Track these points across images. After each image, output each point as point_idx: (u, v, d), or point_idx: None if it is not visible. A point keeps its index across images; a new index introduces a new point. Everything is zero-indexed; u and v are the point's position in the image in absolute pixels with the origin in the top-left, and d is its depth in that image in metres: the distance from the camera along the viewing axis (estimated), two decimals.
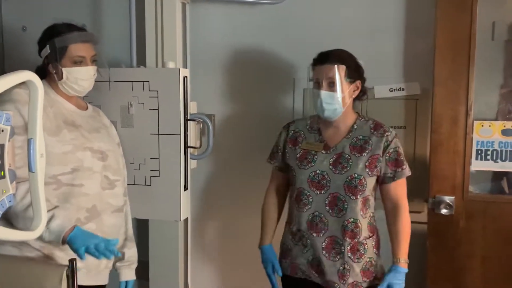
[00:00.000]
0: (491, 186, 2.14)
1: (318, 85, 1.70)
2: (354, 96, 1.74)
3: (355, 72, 1.72)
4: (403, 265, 1.71)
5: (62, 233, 1.45)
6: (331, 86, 1.68)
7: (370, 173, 1.70)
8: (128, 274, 1.83)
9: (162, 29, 2.09)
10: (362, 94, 1.79)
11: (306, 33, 2.21)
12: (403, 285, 1.70)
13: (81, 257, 1.44)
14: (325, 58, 1.70)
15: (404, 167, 1.73)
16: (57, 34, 1.61)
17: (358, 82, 1.73)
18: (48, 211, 1.45)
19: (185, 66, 2.26)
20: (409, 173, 1.75)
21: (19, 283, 1.40)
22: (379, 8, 2.14)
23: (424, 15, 2.07)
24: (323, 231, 1.73)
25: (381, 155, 1.71)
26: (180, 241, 2.31)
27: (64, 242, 1.46)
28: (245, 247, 2.41)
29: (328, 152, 1.75)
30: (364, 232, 1.73)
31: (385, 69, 2.15)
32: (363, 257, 1.73)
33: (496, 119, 2.05)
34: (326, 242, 1.73)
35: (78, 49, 1.62)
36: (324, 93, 1.68)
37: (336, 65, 1.67)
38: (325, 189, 1.72)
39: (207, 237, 2.50)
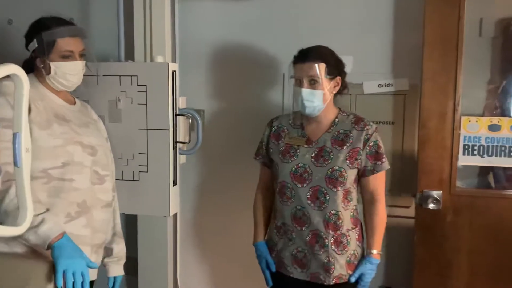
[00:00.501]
0: (478, 181, 2.16)
1: (299, 83, 1.73)
2: (334, 92, 1.77)
3: (335, 69, 1.74)
4: (376, 256, 1.77)
5: (49, 238, 1.43)
6: (312, 83, 1.71)
7: (350, 165, 1.73)
8: (117, 269, 1.82)
9: (150, 23, 2.08)
10: (343, 89, 1.81)
11: (295, 28, 2.21)
12: (374, 274, 1.78)
13: (56, 279, 1.41)
14: (305, 56, 1.72)
15: (383, 160, 1.76)
16: (45, 28, 1.58)
17: (338, 78, 1.76)
18: (39, 214, 1.44)
19: (174, 61, 2.25)
20: (388, 167, 1.78)
21: (6, 279, 1.39)
22: (368, 3, 2.15)
23: (412, 11, 2.08)
24: (306, 225, 1.75)
25: (362, 148, 1.74)
26: (169, 237, 2.30)
27: (49, 247, 1.44)
28: (235, 242, 2.42)
29: (310, 146, 1.77)
30: (347, 224, 1.76)
31: (374, 64, 2.16)
32: (346, 249, 1.76)
33: (482, 115, 2.07)
34: (310, 235, 1.75)
35: (66, 43, 1.60)
36: (305, 91, 1.71)
37: (316, 63, 1.69)
38: (307, 182, 1.74)
39: (196, 233, 2.50)
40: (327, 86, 1.72)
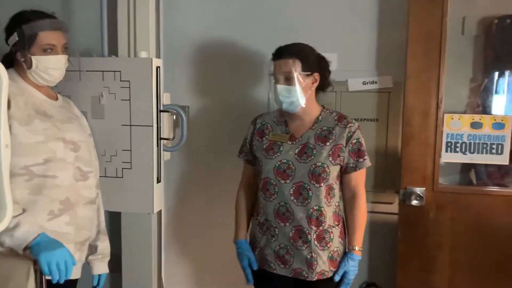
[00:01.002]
0: (460, 177, 2.19)
1: (276, 80, 1.75)
2: (313, 89, 1.77)
3: (312, 65, 1.75)
4: (358, 253, 1.79)
5: (25, 242, 1.41)
6: (287, 80, 1.72)
7: (333, 162, 1.74)
8: (101, 267, 1.80)
9: (134, 18, 2.06)
10: (326, 86, 1.82)
11: (280, 25, 2.20)
12: (357, 271, 1.79)
13: (44, 273, 1.40)
14: (280, 53, 1.74)
15: (365, 157, 1.78)
16: (25, 21, 1.55)
17: (316, 75, 1.76)
18: (15, 216, 1.41)
19: (158, 56, 2.23)
20: (370, 164, 1.80)
21: None
22: (353, 1, 2.16)
23: (396, 9, 2.10)
24: (289, 221, 1.75)
25: (344, 145, 1.75)
26: (153, 234, 2.29)
27: (26, 249, 1.42)
28: (219, 239, 2.41)
29: (294, 142, 1.78)
30: (329, 220, 1.77)
31: (358, 62, 2.17)
32: (329, 245, 1.77)
33: (465, 112, 2.10)
34: (293, 231, 1.75)
35: (48, 37, 1.57)
36: (280, 87, 1.73)
37: (290, 60, 1.71)
38: (290, 178, 1.75)
39: (180, 230, 2.48)
40: (303, 83, 1.72)
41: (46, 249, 1.40)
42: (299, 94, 1.72)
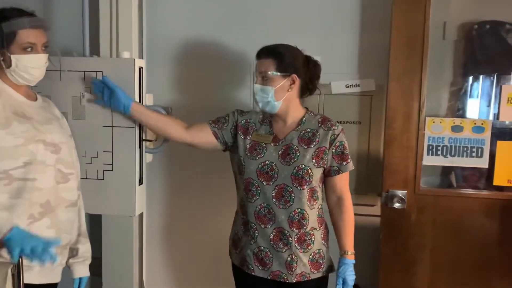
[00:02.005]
0: (440, 180, 2.22)
1: (256, 79, 1.78)
2: (291, 90, 1.76)
3: (288, 66, 1.74)
4: (351, 257, 1.78)
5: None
6: (263, 79, 1.74)
7: (316, 164, 1.74)
8: (82, 270, 1.77)
9: (117, 17, 2.04)
10: (313, 90, 1.82)
11: (263, 26, 2.21)
12: (354, 275, 1.78)
13: (14, 260, 1.37)
14: (260, 53, 1.77)
15: (349, 161, 1.79)
16: (4, 19, 1.51)
17: (294, 76, 1.75)
18: None
19: (141, 57, 2.21)
20: (353, 167, 1.81)
21: None
22: (336, 4, 2.17)
23: (378, 12, 2.12)
24: (270, 222, 1.75)
25: (328, 147, 1.76)
26: (134, 237, 2.26)
27: (1, 246, 1.39)
28: (201, 242, 2.40)
29: (277, 144, 1.78)
30: (312, 223, 1.77)
31: (341, 65, 2.18)
32: (310, 247, 1.77)
33: (445, 116, 2.13)
34: (274, 233, 1.75)
35: (28, 35, 1.54)
36: (256, 86, 1.76)
37: (266, 60, 1.73)
38: (273, 180, 1.74)
39: (162, 233, 2.46)
40: (279, 83, 1.73)
41: (19, 238, 1.38)
42: (274, 94, 1.73)
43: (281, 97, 1.74)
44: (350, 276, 1.76)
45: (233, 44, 2.25)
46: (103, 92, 1.81)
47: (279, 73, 1.72)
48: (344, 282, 1.76)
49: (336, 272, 1.79)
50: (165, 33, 2.30)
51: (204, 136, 1.86)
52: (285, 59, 1.73)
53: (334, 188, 1.81)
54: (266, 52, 1.74)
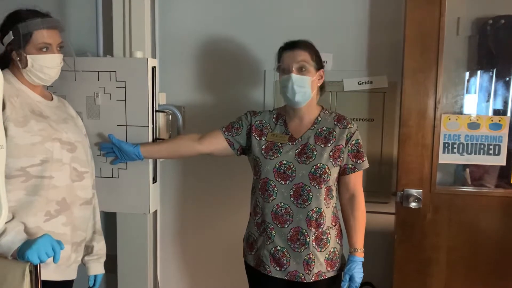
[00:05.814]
0: (454, 177, 2.18)
1: (288, 71, 1.73)
2: (319, 85, 1.78)
3: (320, 62, 1.78)
4: (360, 255, 1.77)
5: (11, 250, 1.39)
6: (302, 70, 1.72)
7: (334, 163, 1.73)
8: (97, 268, 1.79)
9: (130, 17, 2.05)
10: (325, 87, 1.84)
11: (276, 25, 2.20)
12: (362, 273, 1.77)
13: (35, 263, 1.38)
14: (295, 44, 1.75)
15: (364, 159, 1.78)
16: (21, 20, 1.54)
17: (321, 71, 1.78)
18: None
19: (154, 56, 2.22)
20: (368, 165, 1.80)
21: None
22: (348, 2, 2.16)
23: (390, 9, 2.10)
24: (288, 222, 1.74)
25: (344, 146, 1.75)
26: (149, 235, 2.28)
27: (13, 256, 1.40)
28: (215, 239, 2.41)
29: (294, 143, 1.77)
30: (328, 221, 1.76)
31: (353, 62, 2.17)
32: (326, 246, 1.76)
33: (460, 113, 2.10)
34: (291, 233, 1.74)
35: (43, 35, 1.56)
36: (295, 76, 1.72)
37: (305, 51, 1.73)
38: (290, 179, 1.73)
39: (176, 230, 2.48)
40: (314, 75, 1.74)
41: (29, 247, 1.38)
42: (311, 85, 1.73)
43: (314, 89, 1.76)
44: (358, 274, 1.75)
45: (245, 43, 2.25)
46: (114, 151, 1.87)
47: (316, 66, 1.74)
48: (352, 280, 1.75)
49: (344, 269, 1.78)
50: (178, 33, 2.31)
51: (218, 144, 1.87)
52: (317, 55, 1.76)
53: (348, 186, 1.80)
54: (303, 45, 1.74)
